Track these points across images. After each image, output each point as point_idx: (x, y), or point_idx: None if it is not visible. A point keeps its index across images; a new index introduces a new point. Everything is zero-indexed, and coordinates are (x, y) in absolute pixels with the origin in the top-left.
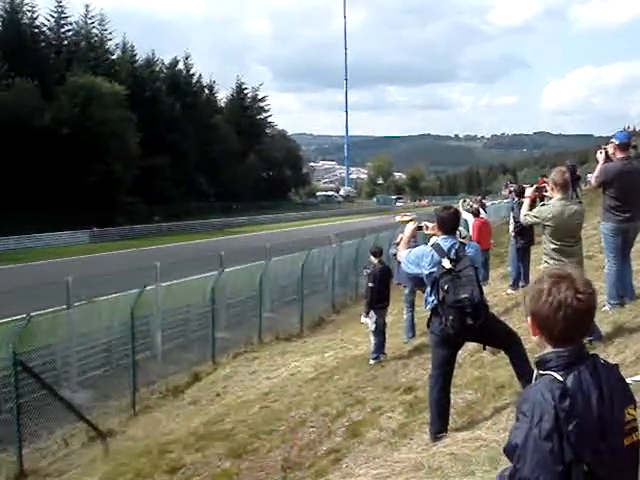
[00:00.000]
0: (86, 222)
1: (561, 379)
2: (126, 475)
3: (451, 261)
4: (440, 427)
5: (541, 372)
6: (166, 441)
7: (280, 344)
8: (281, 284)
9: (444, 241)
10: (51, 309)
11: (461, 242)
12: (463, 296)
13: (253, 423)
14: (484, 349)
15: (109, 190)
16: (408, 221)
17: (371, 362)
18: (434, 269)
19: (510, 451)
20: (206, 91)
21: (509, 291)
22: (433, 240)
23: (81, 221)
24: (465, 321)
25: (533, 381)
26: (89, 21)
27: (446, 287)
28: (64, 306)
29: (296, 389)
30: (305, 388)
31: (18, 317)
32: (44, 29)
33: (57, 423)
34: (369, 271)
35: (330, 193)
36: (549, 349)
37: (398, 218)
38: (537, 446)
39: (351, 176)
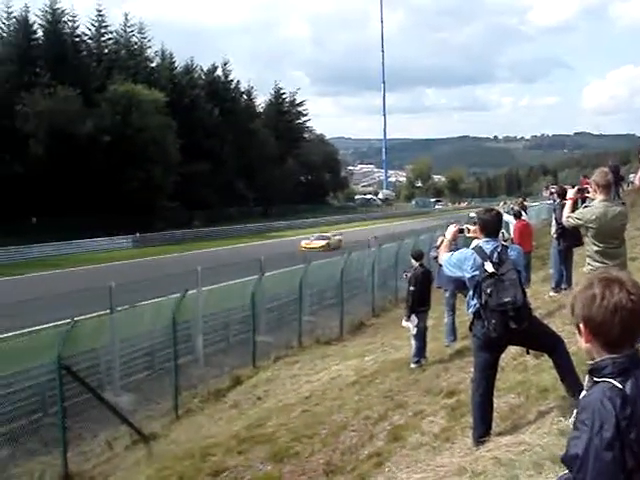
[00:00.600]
0: (127, 228)
1: (620, 386)
2: (170, 478)
3: (494, 264)
4: (483, 431)
5: (596, 379)
6: (208, 444)
7: (320, 348)
8: (321, 288)
9: (486, 244)
10: (95, 314)
11: (503, 245)
12: (506, 299)
13: (294, 427)
14: (527, 353)
15: (149, 196)
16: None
17: (412, 366)
18: (476, 272)
19: (569, 461)
20: (244, 97)
21: (551, 294)
22: (475, 243)
23: (122, 227)
24: (508, 325)
25: (585, 389)
26: (128, 30)
27: (489, 290)
28: (107, 311)
29: (337, 393)
30: (346, 392)
31: (63, 322)
32: (85, 38)
33: (101, 426)
34: (410, 274)
35: (369, 196)
36: (604, 355)
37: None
38: (598, 456)
39: (390, 179)
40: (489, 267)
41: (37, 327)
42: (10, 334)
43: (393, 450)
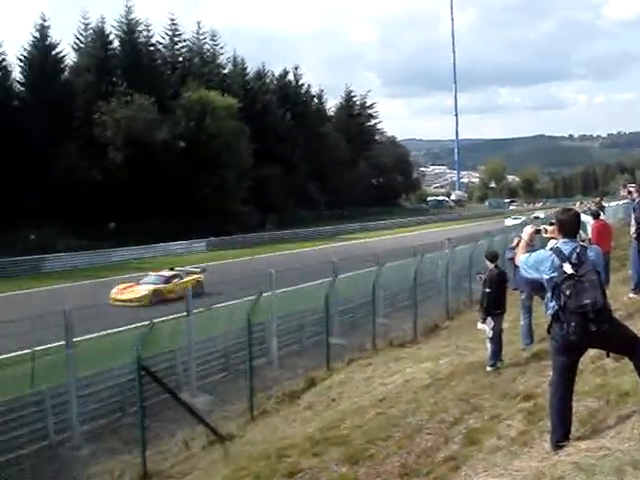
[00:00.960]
0: (201, 232)
1: None
2: (245, 479)
3: (573, 265)
4: (561, 435)
5: None
6: (283, 445)
7: (394, 350)
8: (394, 290)
9: (565, 245)
10: (172, 316)
11: (582, 245)
12: (586, 301)
13: (369, 429)
14: (607, 356)
15: (223, 200)
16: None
17: (488, 369)
18: (555, 274)
19: None
20: (315, 100)
21: (631, 295)
22: (551, 244)
23: (196, 231)
24: (588, 327)
25: None
26: (201, 37)
27: (568, 292)
28: (184, 313)
29: (411, 395)
30: (420, 394)
31: (142, 324)
32: (159, 47)
33: (178, 426)
34: (485, 276)
35: (441, 198)
36: None
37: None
38: None
39: (462, 180)
40: (568, 268)
41: (117, 329)
42: (93, 336)
43: (469, 454)
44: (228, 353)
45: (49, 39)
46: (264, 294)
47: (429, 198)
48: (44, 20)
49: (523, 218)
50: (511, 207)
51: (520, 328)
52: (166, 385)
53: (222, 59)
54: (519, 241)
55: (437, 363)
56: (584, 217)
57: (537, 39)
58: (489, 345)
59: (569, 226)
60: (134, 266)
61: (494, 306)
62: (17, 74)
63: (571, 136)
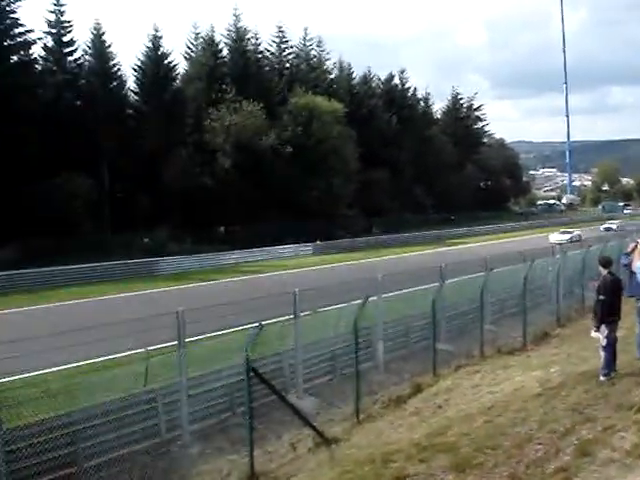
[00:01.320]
0: (308, 235)
1: None
2: None
3: None
4: None
5: None
6: (389, 450)
7: (502, 358)
8: (503, 296)
9: None
10: (280, 319)
11: None
12: None
13: (477, 437)
14: None
15: (330, 204)
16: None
17: (601, 379)
18: None
19: None
20: (422, 104)
21: None
22: None
23: (303, 234)
24: None
25: None
26: (308, 43)
27: None
28: (292, 316)
29: (520, 404)
30: (530, 404)
31: (250, 325)
32: (267, 54)
33: (285, 428)
34: (598, 283)
35: (552, 202)
36: None
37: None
38: None
39: (574, 183)
40: None
41: (228, 330)
42: (203, 336)
43: (581, 465)
44: (335, 356)
45: (161, 49)
46: (371, 298)
47: (539, 202)
48: (156, 31)
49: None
50: (626, 211)
51: (635, 337)
52: (274, 387)
53: (328, 65)
54: (635, 246)
55: (547, 372)
56: None
57: None
58: (602, 354)
59: None
60: (242, 269)
61: (608, 314)
62: (131, 83)
63: None
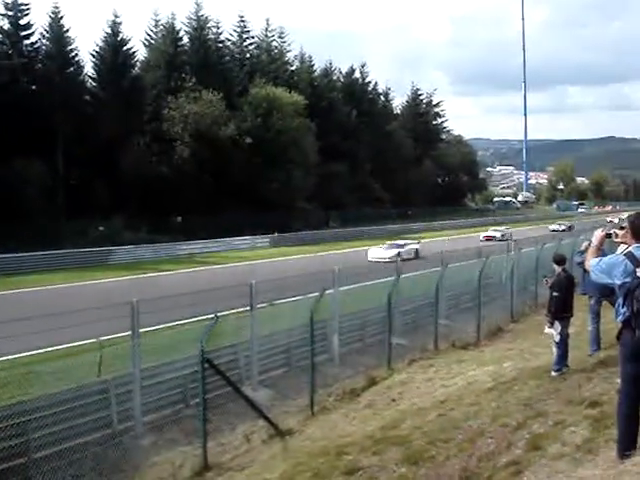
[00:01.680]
0: (266, 227)
1: None
2: (304, 474)
3: None
4: (629, 444)
5: None
6: (343, 443)
7: (456, 352)
8: (458, 291)
9: (638, 250)
10: (235, 310)
11: None
12: None
13: (430, 430)
14: None
15: (288, 197)
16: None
17: (553, 374)
18: (628, 279)
19: None
20: (382, 98)
21: None
22: (621, 248)
23: (261, 226)
24: None
25: None
26: (269, 34)
27: None
28: (248, 308)
29: (473, 398)
30: (483, 398)
31: (205, 317)
32: (228, 44)
33: (239, 420)
34: (553, 280)
35: (508, 199)
36: None
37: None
38: None
39: (530, 181)
40: None
41: (182, 321)
42: (157, 327)
43: (532, 459)
44: (290, 349)
45: (120, 35)
46: (327, 291)
47: (495, 199)
48: (116, 16)
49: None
50: (580, 210)
51: (588, 334)
52: (228, 378)
53: (289, 56)
54: (588, 245)
55: (501, 366)
56: None
57: (613, 38)
58: (555, 350)
59: None
60: (198, 260)
61: (562, 310)
62: (89, 69)
63: None
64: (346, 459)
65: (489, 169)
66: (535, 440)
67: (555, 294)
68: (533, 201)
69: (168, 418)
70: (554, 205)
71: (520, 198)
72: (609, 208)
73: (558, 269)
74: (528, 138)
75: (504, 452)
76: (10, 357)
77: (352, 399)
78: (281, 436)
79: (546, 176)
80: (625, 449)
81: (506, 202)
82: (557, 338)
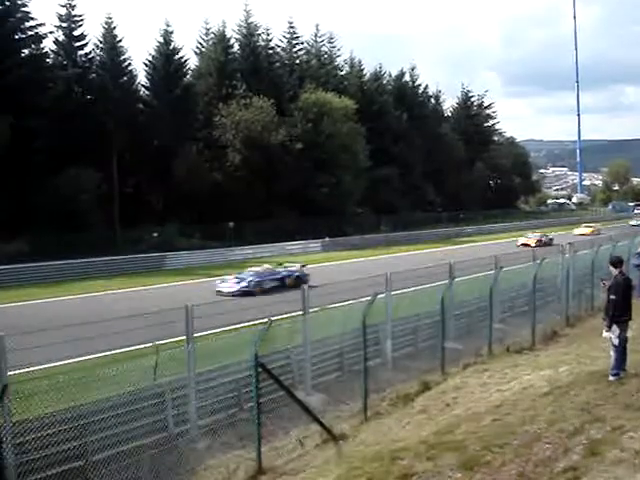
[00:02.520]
0: (318, 232)
1: None
2: (359, 479)
3: None
4: None
5: None
6: (397, 448)
7: (511, 356)
8: (512, 295)
9: None
10: (288, 314)
11: None
12: None
13: (485, 435)
14: None
15: (339, 201)
16: None
17: (610, 378)
18: None
19: None
20: (432, 101)
21: None
22: None
23: (313, 231)
24: None
25: None
26: (319, 40)
27: None
28: (301, 312)
29: (529, 403)
30: (539, 402)
31: (260, 322)
32: (278, 50)
33: (292, 424)
34: (609, 283)
35: (562, 201)
36: None
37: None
38: None
39: (584, 182)
40: None
41: (237, 325)
42: (212, 332)
43: (590, 465)
44: (343, 353)
45: (172, 44)
46: (379, 295)
47: (549, 201)
48: (168, 26)
49: None
50: (636, 211)
51: None
52: (282, 382)
53: (339, 61)
54: None
55: (556, 371)
56: None
57: None
58: (613, 354)
59: None
60: (250, 265)
61: (620, 313)
62: (142, 78)
63: None
64: (400, 464)
65: (542, 171)
66: (593, 446)
67: (612, 297)
68: (588, 202)
69: (223, 422)
70: (609, 206)
71: (574, 200)
72: None
73: (615, 271)
74: (582, 138)
75: (561, 457)
76: (71, 360)
77: (406, 404)
78: (335, 441)
79: (600, 177)
80: None
81: (560, 204)
82: (615, 342)
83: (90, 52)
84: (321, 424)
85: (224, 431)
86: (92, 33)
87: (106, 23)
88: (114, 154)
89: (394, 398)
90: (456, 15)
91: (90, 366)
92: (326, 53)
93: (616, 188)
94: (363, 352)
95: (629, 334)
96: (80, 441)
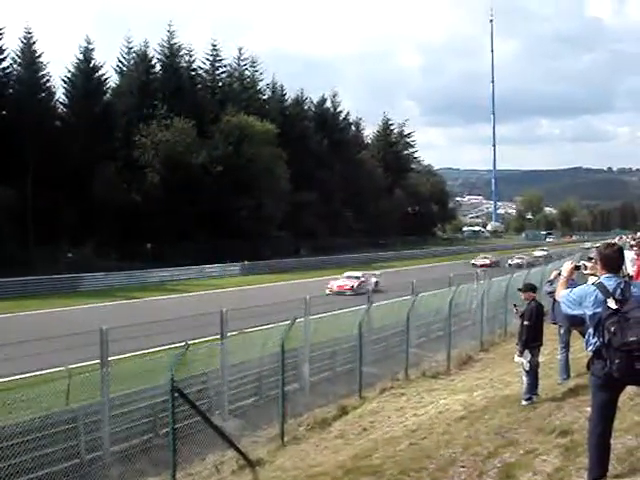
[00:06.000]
0: (237, 255)
1: None
2: None
3: (617, 301)
4: (599, 473)
5: None
6: (314, 473)
7: (427, 381)
8: (428, 320)
9: (608, 280)
10: (205, 338)
11: (626, 281)
12: (631, 339)
13: (402, 460)
14: None
15: (259, 224)
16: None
17: (523, 403)
18: (599, 309)
19: None
20: (353, 128)
21: None
22: (591, 280)
23: (232, 254)
24: (633, 365)
25: None
26: (242, 63)
27: (613, 329)
28: (218, 336)
29: (445, 427)
30: (454, 427)
31: (176, 345)
32: (200, 72)
33: (208, 450)
34: (523, 309)
35: (477, 228)
36: None
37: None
38: None
39: (499, 211)
40: (612, 304)
41: (152, 349)
42: (126, 355)
43: None
44: (260, 378)
45: (93, 61)
46: (298, 320)
47: (465, 228)
48: (89, 43)
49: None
50: (548, 239)
51: (557, 362)
52: (198, 408)
53: (262, 85)
54: (558, 274)
55: (471, 395)
56: (626, 252)
57: (582, 71)
58: (525, 378)
59: (613, 261)
60: (168, 288)
61: (532, 339)
62: (60, 95)
63: (610, 169)
64: None
65: (458, 199)
66: (507, 469)
67: (526, 323)
68: (502, 230)
69: (137, 448)
70: (523, 235)
71: (489, 227)
72: (574, 238)
73: (528, 298)
74: (497, 168)
75: None
76: None
77: (323, 428)
78: (251, 466)
79: (515, 206)
80: (596, 477)
81: (475, 231)
82: (527, 367)
83: (8, 67)
84: (237, 449)
85: (138, 458)
86: (11, 47)
87: (25, 37)
88: (29, 171)
89: (311, 423)
90: (379, 41)
91: None
92: (249, 77)
93: (529, 217)
94: (281, 376)
95: (541, 359)
96: None
